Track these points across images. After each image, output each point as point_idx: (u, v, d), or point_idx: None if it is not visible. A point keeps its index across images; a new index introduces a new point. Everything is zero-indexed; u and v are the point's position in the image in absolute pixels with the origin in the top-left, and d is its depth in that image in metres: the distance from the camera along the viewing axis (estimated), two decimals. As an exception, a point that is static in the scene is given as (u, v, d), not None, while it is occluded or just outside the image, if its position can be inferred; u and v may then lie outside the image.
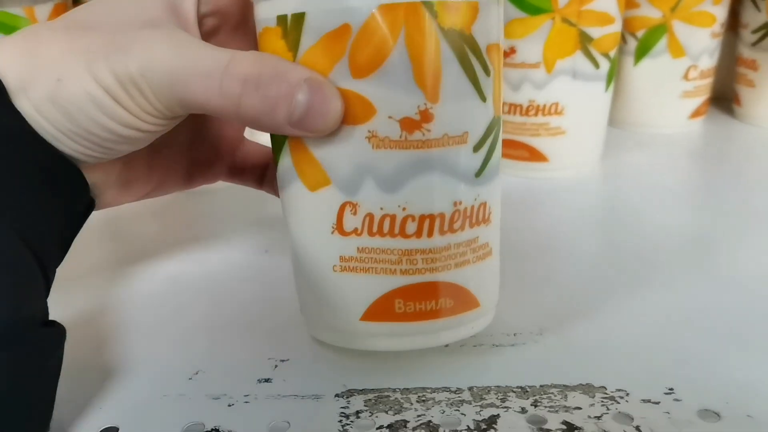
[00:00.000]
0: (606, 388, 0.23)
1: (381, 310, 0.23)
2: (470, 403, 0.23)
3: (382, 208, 0.22)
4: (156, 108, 0.21)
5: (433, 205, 0.22)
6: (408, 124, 0.21)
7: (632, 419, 0.22)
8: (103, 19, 0.22)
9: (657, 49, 0.52)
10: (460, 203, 0.22)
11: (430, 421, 0.22)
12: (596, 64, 0.42)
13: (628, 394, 0.23)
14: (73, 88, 0.20)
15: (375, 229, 0.22)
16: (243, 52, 0.21)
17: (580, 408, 0.22)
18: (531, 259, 0.34)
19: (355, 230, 0.22)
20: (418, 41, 0.20)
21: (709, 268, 0.32)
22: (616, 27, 0.43)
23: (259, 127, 0.21)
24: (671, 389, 0.23)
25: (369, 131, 0.21)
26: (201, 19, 0.24)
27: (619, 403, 0.23)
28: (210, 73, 0.20)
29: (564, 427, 0.22)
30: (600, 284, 0.31)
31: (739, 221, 0.38)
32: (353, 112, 0.21)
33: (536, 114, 0.43)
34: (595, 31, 0.41)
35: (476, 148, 0.22)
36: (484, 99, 0.22)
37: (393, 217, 0.22)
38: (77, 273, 0.34)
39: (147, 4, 0.22)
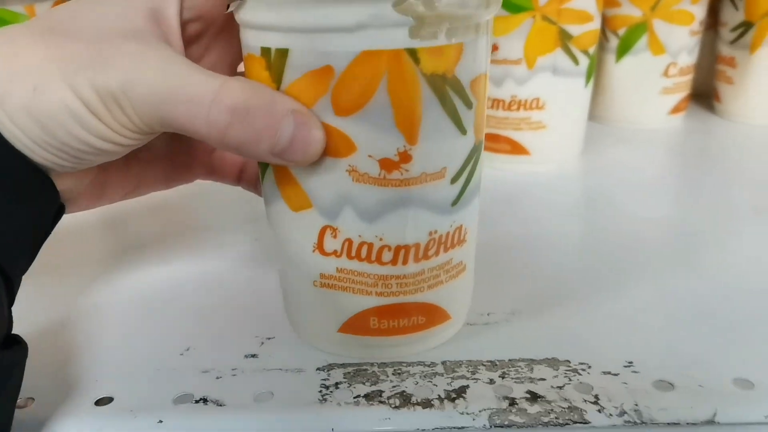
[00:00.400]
0: (570, 362, 0.25)
1: (357, 324, 0.25)
2: (442, 376, 0.24)
3: (360, 236, 0.23)
4: (135, 124, 0.21)
5: (408, 236, 0.23)
6: (387, 164, 0.22)
7: (592, 388, 0.23)
8: (83, 24, 0.21)
9: (638, 46, 0.53)
10: (436, 232, 0.23)
11: (404, 391, 0.24)
12: (576, 61, 0.44)
13: (590, 367, 0.25)
14: (49, 98, 0.19)
15: (353, 253, 0.23)
16: (232, 80, 0.20)
17: (544, 379, 0.24)
18: (509, 248, 0.35)
19: (335, 252, 0.23)
20: (399, 88, 0.20)
21: (677, 256, 0.34)
22: (595, 25, 0.44)
23: (242, 154, 0.21)
24: (630, 362, 0.25)
25: (350, 165, 0.22)
26: (184, 24, 0.23)
27: (581, 375, 0.24)
28: (198, 100, 0.20)
29: (528, 395, 0.23)
30: (574, 271, 0.33)
31: (713, 213, 0.39)
32: (335, 146, 0.21)
33: (518, 108, 0.45)
34: (574, 29, 0.43)
35: (454, 179, 0.23)
36: (464, 132, 0.22)
37: (370, 245, 0.23)
38: (78, 262, 0.36)
39: (129, 10, 0.21)
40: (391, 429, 0.22)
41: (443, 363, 0.25)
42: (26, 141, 0.20)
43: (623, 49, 0.54)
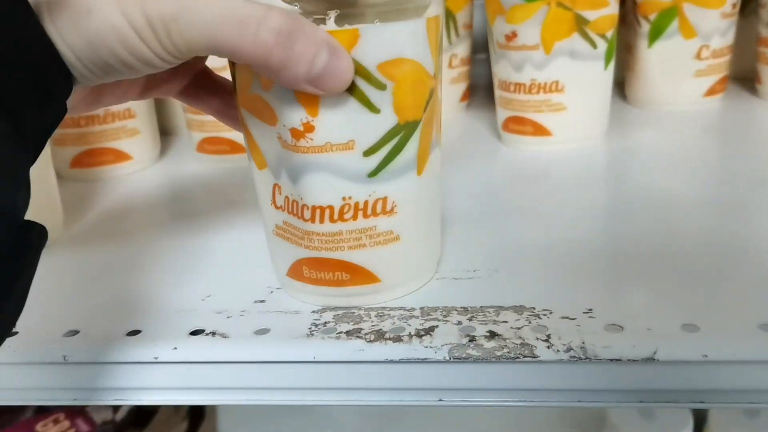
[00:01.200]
0: (535, 308, 0.28)
1: (296, 271, 0.29)
2: (418, 318, 0.28)
3: (291, 194, 0.27)
4: (178, 48, 0.22)
5: (321, 198, 0.26)
6: (295, 133, 0.25)
7: (547, 329, 0.26)
8: None
9: (669, 31, 0.54)
10: (350, 198, 0.26)
11: (380, 329, 0.27)
12: (593, 45, 0.46)
13: (551, 313, 0.27)
14: (100, 20, 0.21)
15: (290, 209, 0.27)
16: (274, 7, 0.22)
17: (506, 322, 0.27)
18: (509, 217, 0.38)
19: (281, 206, 0.28)
20: None
21: (664, 222, 0.36)
22: (612, 9, 0.46)
23: (280, 79, 0.23)
24: (590, 309, 0.27)
25: (277, 133, 0.26)
26: None
27: (541, 319, 0.27)
28: (247, 21, 0.21)
29: (488, 334, 0.26)
30: (567, 237, 0.35)
31: (717, 185, 0.40)
32: (268, 115, 0.25)
33: (538, 92, 0.47)
34: (590, 14, 0.45)
35: (368, 153, 0.26)
36: (376, 111, 0.25)
37: (296, 203, 0.27)
38: (133, 227, 0.41)
39: None
40: (364, 359, 0.26)
41: (421, 308, 0.29)
42: (71, 56, 0.21)
43: (655, 34, 0.55)
